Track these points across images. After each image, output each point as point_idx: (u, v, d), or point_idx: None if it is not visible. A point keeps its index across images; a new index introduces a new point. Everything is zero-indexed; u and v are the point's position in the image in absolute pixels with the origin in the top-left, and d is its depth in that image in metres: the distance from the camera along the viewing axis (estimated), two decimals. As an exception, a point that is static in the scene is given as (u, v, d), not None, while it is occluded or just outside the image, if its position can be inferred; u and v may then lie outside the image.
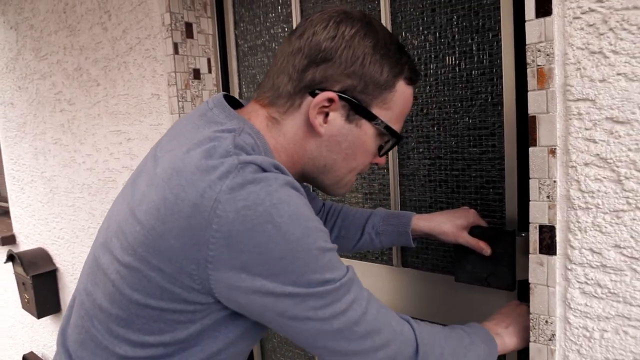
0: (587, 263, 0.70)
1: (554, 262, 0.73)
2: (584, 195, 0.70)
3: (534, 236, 0.75)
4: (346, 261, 1.26)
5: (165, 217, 0.56)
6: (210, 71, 1.53)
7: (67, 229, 2.23)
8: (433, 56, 1.05)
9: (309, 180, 0.74)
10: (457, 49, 1.01)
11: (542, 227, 0.74)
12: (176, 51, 1.45)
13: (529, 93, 0.73)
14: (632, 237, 0.66)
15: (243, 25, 1.48)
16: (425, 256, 1.12)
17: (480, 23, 0.97)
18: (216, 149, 0.58)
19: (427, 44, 1.06)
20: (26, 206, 2.59)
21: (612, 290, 0.69)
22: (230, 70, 1.52)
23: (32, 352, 2.78)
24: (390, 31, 1.10)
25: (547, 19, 0.70)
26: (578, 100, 0.69)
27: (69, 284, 2.33)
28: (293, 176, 0.63)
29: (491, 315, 0.85)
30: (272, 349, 1.57)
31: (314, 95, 0.65)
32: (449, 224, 0.91)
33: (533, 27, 0.71)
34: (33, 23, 2.19)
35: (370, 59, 0.65)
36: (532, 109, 0.73)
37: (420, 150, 1.10)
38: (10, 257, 2.43)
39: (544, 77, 0.71)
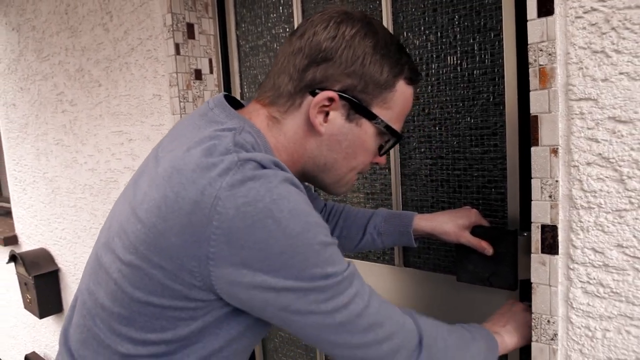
0: (589, 262, 0.70)
1: (556, 262, 0.73)
2: (586, 194, 0.70)
3: (536, 236, 0.75)
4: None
5: (166, 215, 0.56)
6: (211, 72, 1.53)
7: (69, 229, 2.24)
8: (435, 56, 1.05)
9: (310, 179, 0.75)
10: (458, 48, 1.01)
11: (544, 227, 0.74)
12: (178, 52, 1.45)
13: (531, 93, 0.73)
14: (634, 236, 0.66)
15: (244, 26, 1.48)
16: (427, 256, 1.12)
17: (482, 23, 0.97)
18: (216, 147, 0.58)
19: (429, 43, 1.06)
20: (28, 207, 2.60)
21: (614, 290, 0.69)
22: (232, 71, 1.53)
23: (34, 352, 2.79)
24: (392, 31, 1.10)
25: (549, 18, 0.70)
26: (580, 99, 0.69)
27: (71, 284, 2.34)
28: (294, 175, 0.63)
29: (491, 316, 0.85)
30: (274, 349, 1.57)
31: (314, 94, 0.66)
32: (450, 224, 0.91)
33: (535, 27, 0.71)
34: (35, 24, 2.19)
35: (371, 59, 0.66)
36: (534, 109, 0.73)
37: (422, 150, 1.10)
38: (13, 258, 2.43)
39: (546, 77, 0.71)
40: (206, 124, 0.65)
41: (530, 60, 0.72)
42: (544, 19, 0.70)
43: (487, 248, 0.88)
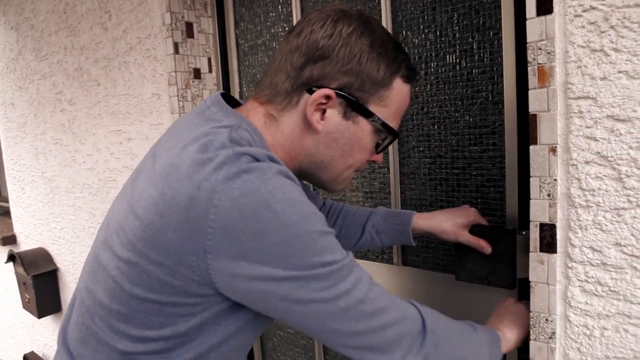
0: (587, 261, 0.70)
1: (555, 260, 0.73)
2: (584, 193, 0.70)
3: (534, 234, 0.75)
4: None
5: (163, 211, 0.56)
6: (210, 71, 1.53)
7: (68, 228, 2.23)
8: (434, 55, 1.05)
9: (307, 176, 0.75)
10: (457, 47, 1.01)
11: (542, 226, 0.74)
12: (176, 51, 1.45)
13: (529, 91, 0.73)
14: (632, 235, 0.66)
15: (243, 25, 1.48)
16: (426, 255, 1.12)
17: (481, 21, 0.97)
18: (212, 143, 0.59)
19: (428, 42, 1.06)
20: (27, 206, 2.60)
21: (612, 288, 0.69)
22: (231, 70, 1.52)
23: (32, 352, 2.79)
24: (391, 30, 1.10)
25: (548, 17, 0.70)
26: (579, 98, 0.69)
27: (70, 284, 2.34)
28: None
29: (490, 315, 0.85)
30: (273, 348, 1.57)
31: (311, 92, 0.66)
32: (449, 223, 0.91)
33: (534, 25, 0.71)
34: (34, 23, 2.19)
35: (367, 57, 0.66)
36: (532, 107, 0.73)
37: (421, 148, 1.10)
38: (11, 257, 2.43)
39: (544, 75, 0.71)
40: (203, 122, 0.65)
41: (529, 58, 0.72)
42: (542, 18, 0.70)
43: (485, 247, 0.89)
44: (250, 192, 0.54)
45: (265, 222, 0.54)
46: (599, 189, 0.68)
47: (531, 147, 0.73)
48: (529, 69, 0.72)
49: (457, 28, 1.01)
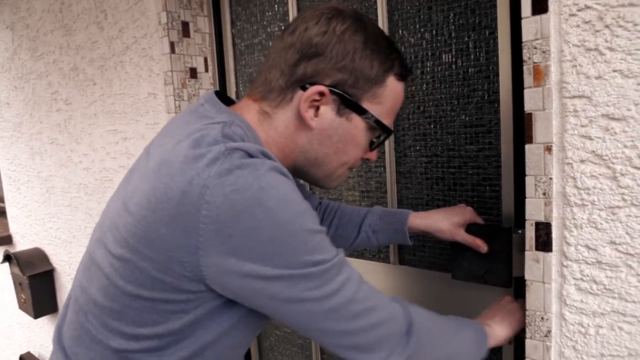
0: (582, 260, 0.71)
1: (550, 259, 0.73)
2: (579, 192, 0.70)
3: (530, 233, 0.75)
4: (343, 259, 1.26)
5: (155, 207, 0.56)
6: (207, 70, 1.53)
7: (64, 228, 2.23)
8: (430, 54, 1.05)
9: (301, 174, 0.75)
10: (453, 46, 1.01)
11: (538, 224, 0.74)
12: (173, 50, 1.45)
13: (525, 90, 0.73)
14: (627, 233, 0.67)
15: (240, 24, 1.48)
16: (422, 254, 1.13)
17: (477, 21, 0.97)
18: (204, 138, 0.59)
19: (424, 41, 1.06)
20: (22, 206, 2.59)
21: (607, 287, 0.69)
22: (227, 69, 1.52)
23: (29, 353, 2.78)
24: (387, 29, 1.10)
25: (544, 16, 0.70)
26: (574, 97, 0.69)
27: (66, 284, 2.33)
28: None
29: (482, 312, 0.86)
30: (270, 347, 1.57)
31: (305, 89, 0.66)
32: (445, 222, 0.91)
33: (529, 25, 0.71)
34: (29, 22, 2.18)
35: (361, 54, 0.66)
36: (528, 106, 0.73)
37: (417, 148, 1.10)
38: (7, 257, 2.42)
39: (540, 75, 0.71)
40: (196, 119, 0.65)
41: (525, 57, 0.72)
42: (538, 17, 0.70)
43: (481, 246, 0.89)
44: (243, 189, 0.54)
45: (257, 220, 0.54)
46: (594, 187, 0.69)
47: (527, 146, 0.74)
48: (525, 68, 0.72)
49: (453, 27, 1.01)
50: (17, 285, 2.45)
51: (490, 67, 0.96)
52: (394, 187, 1.15)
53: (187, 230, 0.54)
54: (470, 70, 0.99)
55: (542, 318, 0.75)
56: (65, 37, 1.94)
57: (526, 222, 0.75)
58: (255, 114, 0.69)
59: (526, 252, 0.76)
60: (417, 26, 1.07)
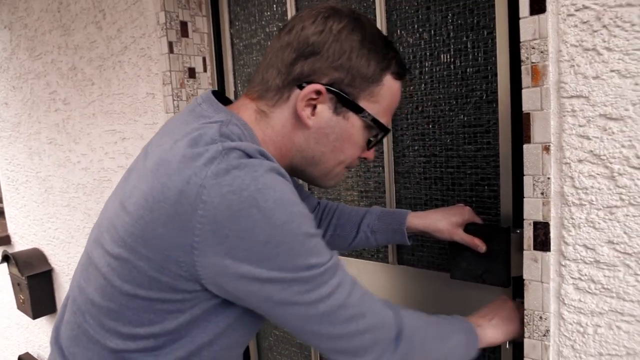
0: (580, 259, 0.71)
1: (548, 259, 0.74)
2: (577, 191, 0.70)
3: (528, 233, 0.75)
4: (341, 259, 1.26)
5: (152, 206, 0.56)
6: (205, 70, 1.53)
7: (62, 229, 2.22)
8: (428, 54, 1.05)
9: (298, 172, 0.75)
10: (452, 46, 1.01)
11: (536, 224, 0.74)
12: (171, 50, 1.44)
13: (523, 90, 0.73)
14: (625, 233, 0.67)
15: (238, 24, 1.48)
16: (421, 253, 1.13)
17: (475, 21, 0.97)
18: (202, 137, 0.59)
19: (422, 41, 1.06)
20: (21, 206, 2.58)
21: (605, 286, 0.69)
22: (226, 69, 1.52)
23: (27, 353, 2.77)
24: (386, 29, 1.10)
25: (541, 16, 0.70)
26: (572, 97, 0.69)
27: (65, 284, 2.32)
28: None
29: (482, 307, 0.86)
30: (269, 347, 1.57)
31: (301, 88, 0.66)
32: (444, 222, 0.91)
33: (527, 25, 0.71)
34: (27, 22, 2.17)
35: (358, 53, 0.67)
36: (526, 106, 0.73)
37: (416, 147, 1.10)
38: (5, 258, 2.42)
39: (538, 75, 0.71)
40: (194, 119, 0.65)
41: (523, 58, 0.72)
42: (536, 17, 0.70)
43: (480, 245, 0.89)
44: (240, 190, 0.54)
45: (253, 221, 0.54)
46: (592, 187, 0.69)
47: (525, 146, 0.74)
48: (523, 68, 0.72)
49: (452, 27, 1.01)
50: (16, 285, 2.44)
51: (489, 67, 0.96)
52: (392, 187, 1.15)
53: (183, 229, 0.55)
54: (468, 70, 0.99)
55: (541, 317, 0.75)
56: (64, 36, 1.94)
57: (524, 221, 0.75)
58: (252, 113, 0.69)
59: (524, 252, 0.76)
60: (416, 26, 1.07)
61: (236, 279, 0.57)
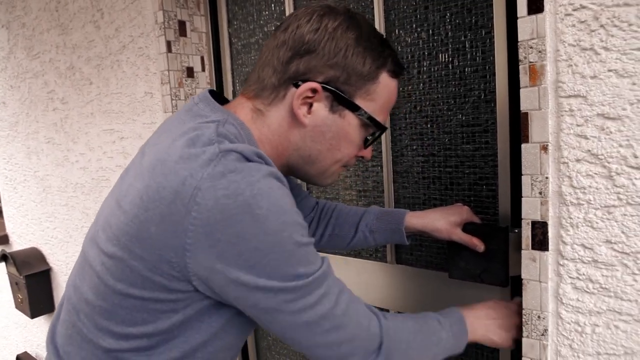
0: (578, 258, 0.71)
1: (546, 258, 0.74)
2: (575, 191, 0.70)
3: (526, 232, 0.75)
4: (340, 258, 1.26)
5: (147, 205, 0.56)
6: (203, 69, 1.53)
7: (61, 228, 2.22)
8: (426, 53, 1.05)
9: (294, 171, 0.75)
10: (450, 46, 1.01)
11: (534, 223, 0.74)
12: (169, 49, 1.44)
13: (521, 90, 0.73)
14: (623, 232, 0.67)
15: (236, 23, 1.48)
16: (419, 253, 1.13)
17: (473, 20, 0.97)
18: (199, 137, 0.59)
19: (420, 41, 1.06)
20: (19, 206, 2.58)
21: (603, 285, 0.69)
22: (224, 69, 1.52)
23: (25, 352, 2.77)
24: (384, 28, 1.10)
25: (539, 15, 0.70)
26: (570, 96, 0.69)
27: (63, 284, 2.32)
28: (279, 168, 0.64)
29: (488, 301, 0.85)
30: (267, 347, 1.57)
31: (297, 86, 0.66)
32: (442, 221, 0.91)
33: (525, 24, 0.71)
34: (25, 21, 2.17)
35: (353, 51, 0.67)
36: (524, 106, 0.73)
37: (414, 147, 1.10)
38: (3, 257, 2.41)
39: (536, 74, 0.71)
40: (191, 118, 0.65)
41: (521, 57, 0.72)
42: (534, 17, 0.70)
43: (478, 245, 0.89)
44: (234, 194, 0.54)
45: (245, 227, 0.54)
46: (590, 186, 0.69)
47: (523, 146, 0.74)
48: (521, 67, 0.72)
49: (450, 27, 1.01)
50: (14, 285, 2.44)
51: (487, 67, 0.96)
52: (390, 187, 1.15)
53: (176, 230, 0.55)
54: (466, 69, 0.99)
55: (539, 317, 0.75)
56: (62, 36, 1.93)
57: (522, 221, 0.75)
58: (248, 112, 0.69)
59: (523, 251, 0.76)
60: (414, 25, 1.07)
61: (226, 283, 0.57)
